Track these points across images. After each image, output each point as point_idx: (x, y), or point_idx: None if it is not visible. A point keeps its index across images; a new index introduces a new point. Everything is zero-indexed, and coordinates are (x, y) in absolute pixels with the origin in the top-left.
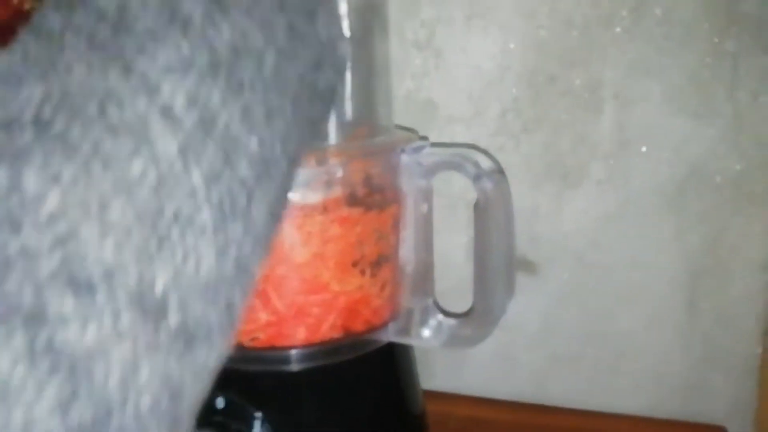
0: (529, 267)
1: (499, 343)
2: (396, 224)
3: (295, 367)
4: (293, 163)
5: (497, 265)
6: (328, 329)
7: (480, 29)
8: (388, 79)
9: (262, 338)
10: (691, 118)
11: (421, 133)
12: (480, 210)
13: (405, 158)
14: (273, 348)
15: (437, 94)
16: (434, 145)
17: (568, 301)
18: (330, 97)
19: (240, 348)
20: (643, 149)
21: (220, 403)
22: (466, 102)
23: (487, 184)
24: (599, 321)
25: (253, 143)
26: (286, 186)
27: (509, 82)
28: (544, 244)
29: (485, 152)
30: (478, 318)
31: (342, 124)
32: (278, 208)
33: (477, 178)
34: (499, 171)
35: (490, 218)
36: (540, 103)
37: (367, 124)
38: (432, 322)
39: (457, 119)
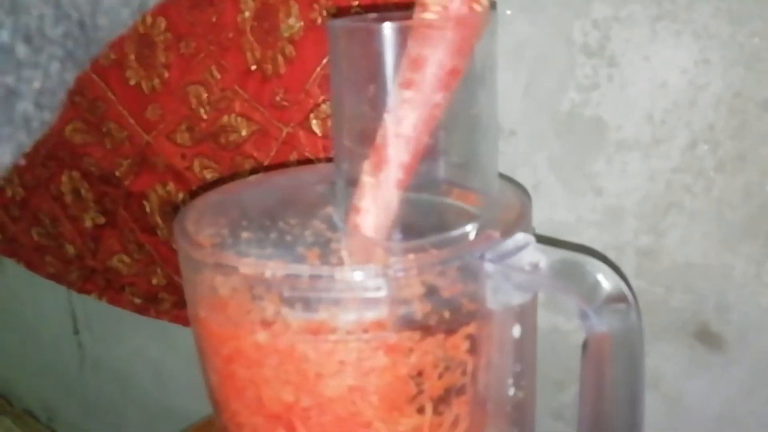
0: (713, 341)
1: (668, 424)
2: (475, 347)
3: None
4: None
5: (610, 430)
6: None
7: (670, 34)
8: (493, 136)
9: None
10: None
11: (587, 158)
12: (589, 358)
13: (488, 267)
14: None
15: (608, 112)
16: (541, 240)
17: (761, 388)
18: None
19: None
20: None
21: None
22: (644, 125)
23: (600, 327)
24: None
25: None
26: None
27: (704, 105)
28: (736, 317)
29: (606, 261)
30: None
31: (434, 181)
32: None
33: (584, 315)
34: (622, 299)
35: (605, 372)
36: (745, 135)
37: (464, 186)
38: None
39: (632, 145)
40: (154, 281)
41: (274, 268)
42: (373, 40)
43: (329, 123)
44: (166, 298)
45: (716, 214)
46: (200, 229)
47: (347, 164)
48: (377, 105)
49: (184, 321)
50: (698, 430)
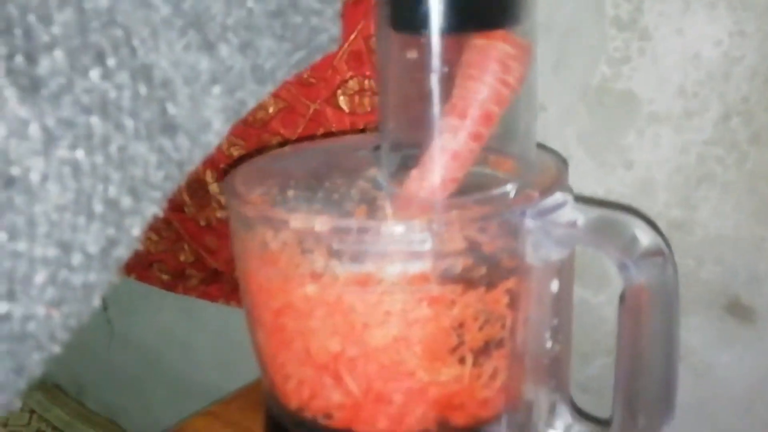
0: (744, 314)
1: (697, 396)
2: (514, 302)
3: None
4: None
5: (648, 382)
6: (417, 421)
7: (703, 6)
8: (532, 104)
9: (337, 418)
10: None
11: (618, 132)
12: (627, 308)
13: (528, 223)
14: (350, 431)
15: (640, 85)
16: (579, 199)
17: None
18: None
19: (313, 423)
20: None
21: None
22: (677, 98)
23: (638, 278)
24: None
25: None
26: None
27: (738, 78)
28: (767, 289)
29: (644, 218)
30: None
31: None
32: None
33: (623, 266)
34: (659, 252)
35: (642, 321)
36: None
37: (501, 153)
38: (558, 424)
39: (664, 118)
40: (182, 258)
41: (323, 222)
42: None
43: (357, 99)
44: (193, 274)
45: (749, 187)
46: (250, 189)
47: (392, 128)
48: (423, 70)
49: (212, 297)
50: (727, 403)
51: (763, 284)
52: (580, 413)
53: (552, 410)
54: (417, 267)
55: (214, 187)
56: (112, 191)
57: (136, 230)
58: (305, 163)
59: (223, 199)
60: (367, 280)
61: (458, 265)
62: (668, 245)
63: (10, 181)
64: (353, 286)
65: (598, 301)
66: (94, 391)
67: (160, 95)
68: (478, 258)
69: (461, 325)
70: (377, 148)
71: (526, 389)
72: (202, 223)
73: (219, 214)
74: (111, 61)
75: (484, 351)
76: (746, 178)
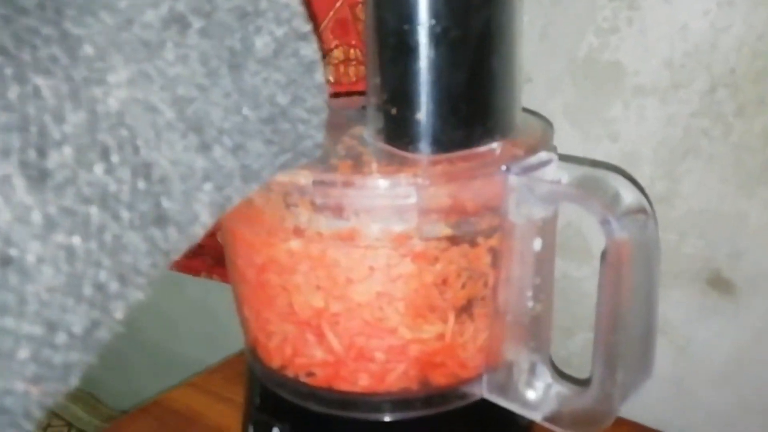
0: (725, 287)
1: (676, 371)
2: (497, 260)
3: (358, 415)
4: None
5: (627, 338)
6: (398, 379)
7: None
8: (517, 68)
9: (319, 376)
10: None
11: (604, 104)
12: (609, 264)
13: (512, 180)
14: (331, 390)
15: (627, 56)
16: (563, 158)
17: None
18: (290, 65)
19: (295, 382)
20: None
21: None
22: (663, 69)
23: (620, 234)
24: None
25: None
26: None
27: (725, 49)
28: (749, 262)
29: (627, 177)
30: (595, 395)
31: None
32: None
33: (606, 222)
34: (641, 210)
35: (623, 277)
36: (766, 79)
37: None
38: (538, 384)
39: (650, 90)
40: None
41: (308, 176)
42: None
43: (342, 69)
44: None
45: (734, 159)
46: None
47: (378, 88)
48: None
49: (194, 270)
50: (707, 376)
51: (744, 258)
52: (560, 374)
53: (532, 370)
54: (401, 222)
55: None
56: (102, 276)
57: (119, 314)
58: None
59: None
60: (351, 234)
61: (442, 220)
62: (650, 203)
63: (6, 261)
64: (337, 241)
65: (581, 275)
66: None
67: (156, 190)
68: (462, 214)
69: (444, 282)
70: (363, 107)
71: (506, 349)
72: None
73: None
74: (115, 158)
75: (466, 309)
76: (731, 151)
